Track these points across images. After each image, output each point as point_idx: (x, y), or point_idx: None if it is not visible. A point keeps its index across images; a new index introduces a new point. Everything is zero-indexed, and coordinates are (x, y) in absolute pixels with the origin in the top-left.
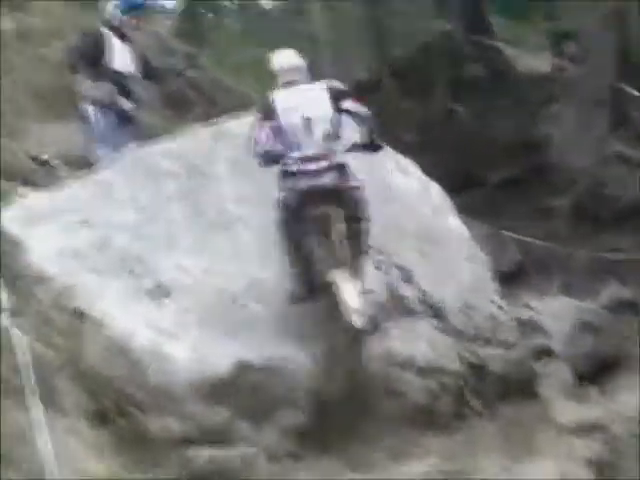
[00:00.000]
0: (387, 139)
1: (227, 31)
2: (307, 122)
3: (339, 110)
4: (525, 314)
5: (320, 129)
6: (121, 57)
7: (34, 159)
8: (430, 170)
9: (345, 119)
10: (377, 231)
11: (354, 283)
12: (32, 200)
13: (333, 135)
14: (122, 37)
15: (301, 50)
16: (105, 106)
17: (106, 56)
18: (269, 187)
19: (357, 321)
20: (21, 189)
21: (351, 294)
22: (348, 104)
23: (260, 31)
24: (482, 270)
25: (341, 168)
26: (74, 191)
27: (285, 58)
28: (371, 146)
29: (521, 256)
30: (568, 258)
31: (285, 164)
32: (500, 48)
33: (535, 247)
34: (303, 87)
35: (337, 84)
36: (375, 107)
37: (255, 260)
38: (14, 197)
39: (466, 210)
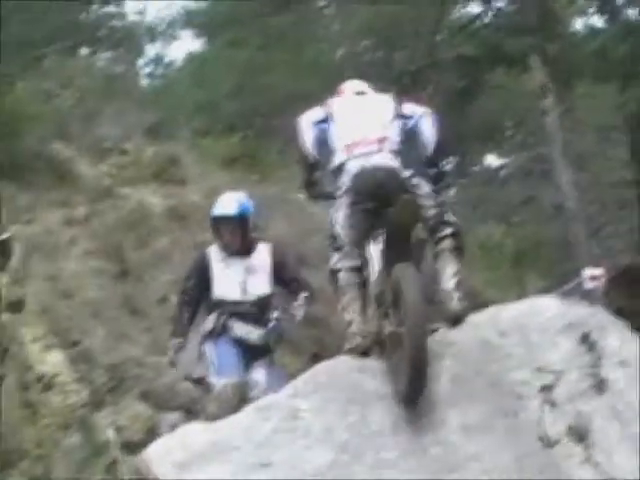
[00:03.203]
0: None
1: None
2: None
3: None
4: None
5: None
6: (230, 281)
7: (187, 378)
8: None
9: None
10: None
11: None
12: (191, 433)
13: None
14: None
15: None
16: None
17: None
18: (502, 413)
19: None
20: (175, 417)
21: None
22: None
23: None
24: None
25: None
26: (249, 421)
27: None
28: None
29: None
30: None
31: None
32: None
33: None
34: None
35: None
36: None
37: None
38: (165, 428)
39: None
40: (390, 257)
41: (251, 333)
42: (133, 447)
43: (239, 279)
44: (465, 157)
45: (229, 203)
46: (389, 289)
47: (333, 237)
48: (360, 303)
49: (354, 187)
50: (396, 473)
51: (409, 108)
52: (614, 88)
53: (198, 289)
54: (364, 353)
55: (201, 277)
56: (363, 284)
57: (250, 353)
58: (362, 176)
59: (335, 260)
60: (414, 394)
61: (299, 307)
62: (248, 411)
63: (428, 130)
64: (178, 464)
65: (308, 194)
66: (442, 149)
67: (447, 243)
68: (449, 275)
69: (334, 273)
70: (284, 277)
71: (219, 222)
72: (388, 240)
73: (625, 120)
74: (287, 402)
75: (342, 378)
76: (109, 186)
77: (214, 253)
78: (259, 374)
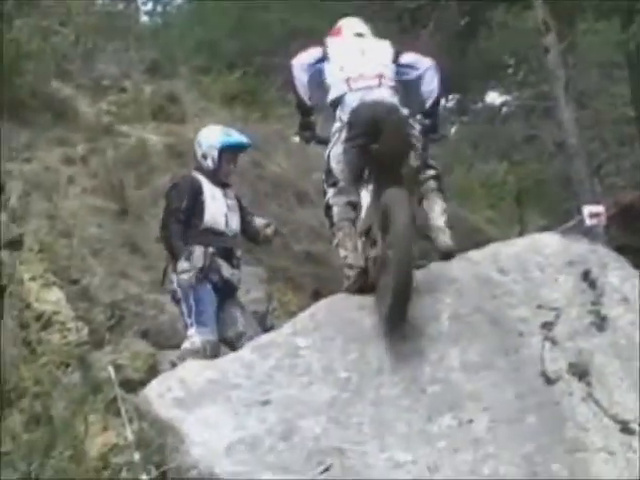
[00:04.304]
0: None
1: None
2: None
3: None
4: None
5: None
6: (217, 211)
7: None
8: None
9: None
10: None
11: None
12: (192, 371)
13: None
14: (219, 184)
15: None
16: (200, 276)
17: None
18: (503, 350)
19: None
20: (175, 355)
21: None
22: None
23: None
24: None
25: None
26: (249, 359)
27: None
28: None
29: None
30: None
31: None
32: None
33: None
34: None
35: None
36: None
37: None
38: (166, 366)
39: None
40: (381, 185)
41: (234, 275)
42: (133, 385)
43: (224, 211)
44: (466, 95)
45: (237, 133)
46: (379, 213)
47: (329, 172)
48: (354, 239)
49: (352, 121)
50: (396, 411)
51: (413, 58)
52: (617, 24)
53: (189, 213)
54: (361, 289)
55: (194, 200)
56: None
57: (224, 291)
58: (361, 110)
59: (330, 195)
60: (397, 316)
61: (265, 225)
62: (247, 349)
63: (432, 84)
64: (178, 402)
65: (302, 138)
66: (439, 103)
67: (432, 184)
68: (438, 212)
69: (329, 208)
70: (243, 217)
71: (230, 151)
72: (379, 168)
73: (627, 57)
74: (287, 340)
75: (341, 316)
76: (108, 124)
77: (202, 179)
78: (237, 312)
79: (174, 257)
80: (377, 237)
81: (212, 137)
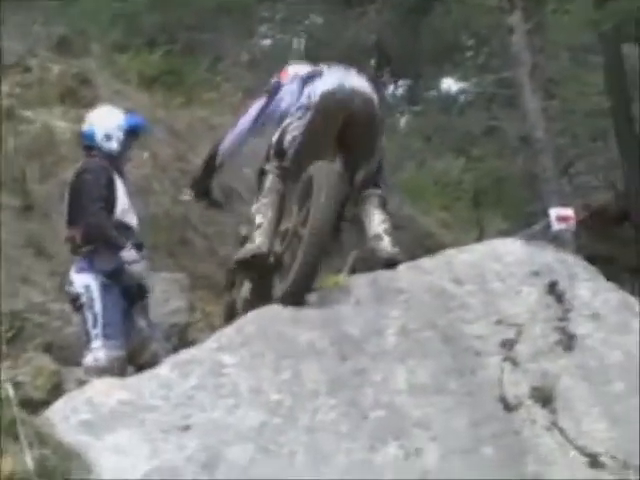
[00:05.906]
0: None
1: None
2: None
3: None
4: None
5: None
6: (124, 203)
7: None
8: None
9: None
10: None
11: None
12: (101, 390)
13: None
14: (119, 173)
15: None
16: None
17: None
18: (456, 371)
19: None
20: (80, 372)
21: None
22: None
23: None
24: None
25: None
26: (167, 377)
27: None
28: None
29: None
30: None
31: None
32: None
33: None
34: None
35: None
36: None
37: None
38: (72, 384)
39: None
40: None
41: (149, 277)
42: (34, 405)
43: (127, 203)
44: (418, 81)
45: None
46: (301, 184)
47: (279, 142)
48: (273, 213)
49: (322, 106)
50: (334, 439)
51: None
52: (589, 2)
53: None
54: (254, 261)
55: (108, 190)
56: (283, 198)
57: (133, 297)
58: (334, 97)
59: (270, 162)
60: (296, 296)
61: None
62: (165, 366)
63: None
64: (86, 425)
65: (195, 193)
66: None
67: (374, 201)
68: (378, 221)
69: (263, 174)
70: None
71: (134, 133)
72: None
73: (601, 40)
74: (210, 356)
75: (273, 330)
76: (9, 108)
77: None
78: (141, 320)
79: (116, 247)
80: (293, 209)
81: (113, 117)
